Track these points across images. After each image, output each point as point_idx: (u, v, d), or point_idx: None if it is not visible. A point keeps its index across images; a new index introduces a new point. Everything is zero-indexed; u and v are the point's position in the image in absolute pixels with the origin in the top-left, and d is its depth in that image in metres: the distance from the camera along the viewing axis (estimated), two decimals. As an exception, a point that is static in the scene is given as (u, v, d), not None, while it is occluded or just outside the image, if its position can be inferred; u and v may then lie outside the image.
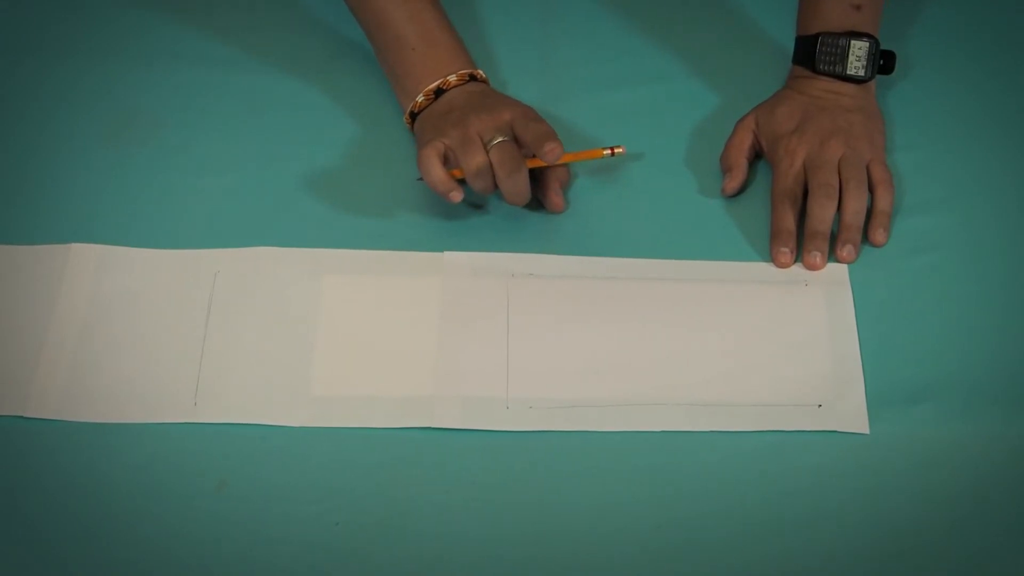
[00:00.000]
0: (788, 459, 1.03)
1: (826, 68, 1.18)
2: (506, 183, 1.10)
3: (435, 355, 1.08)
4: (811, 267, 1.12)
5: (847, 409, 1.05)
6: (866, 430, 1.04)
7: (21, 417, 1.05)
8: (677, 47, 1.29)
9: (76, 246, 1.13)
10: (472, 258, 1.14)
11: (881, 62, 1.19)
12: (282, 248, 1.14)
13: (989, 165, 1.19)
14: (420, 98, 1.16)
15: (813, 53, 1.18)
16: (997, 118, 1.22)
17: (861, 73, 1.17)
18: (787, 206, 1.14)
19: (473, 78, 1.16)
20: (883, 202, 1.14)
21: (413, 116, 1.17)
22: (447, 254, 1.14)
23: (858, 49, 1.17)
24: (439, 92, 1.15)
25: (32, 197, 1.17)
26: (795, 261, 1.13)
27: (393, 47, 1.18)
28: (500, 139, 1.10)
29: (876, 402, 1.05)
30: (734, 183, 1.17)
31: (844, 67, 1.17)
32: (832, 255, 1.13)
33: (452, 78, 1.15)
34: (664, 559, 0.99)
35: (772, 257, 1.13)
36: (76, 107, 1.24)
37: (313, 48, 1.29)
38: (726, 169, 1.18)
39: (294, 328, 1.10)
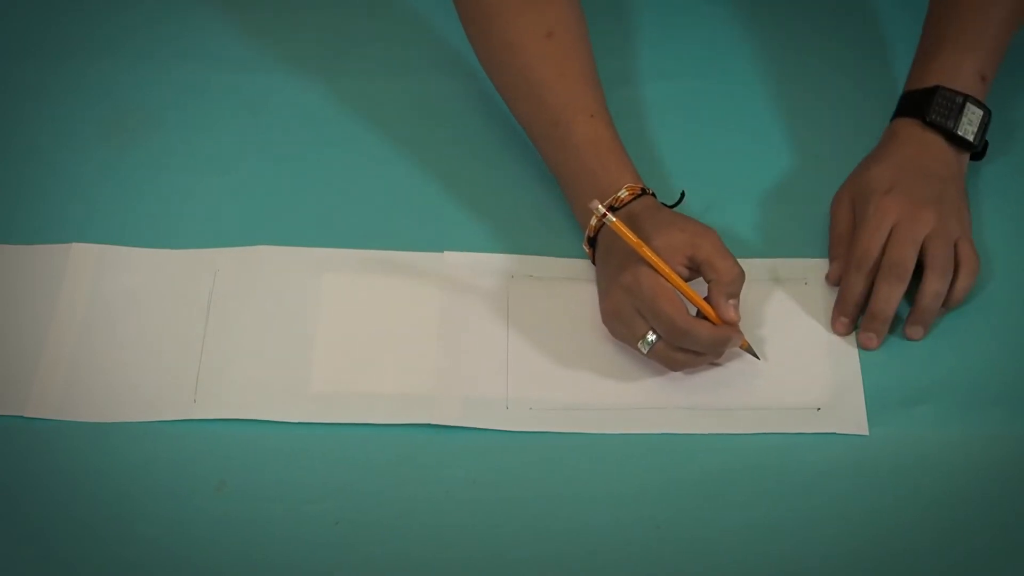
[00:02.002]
0: (787, 460, 1.03)
1: (938, 119, 1.11)
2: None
3: (435, 356, 1.08)
4: (865, 347, 1.08)
5: (846, 411, 1.05)
6: (865, 431, 1.04)
7: (21, 417, 1.05)
8: (679, 46, 1.29)
9: (76, 246, 1.13)
10: (472, 258, 1.14)
11: (985, 142, 1.14)
12: (282, 247, 1.14)
13: (988, 165, 1.18)
14: (593, 221, 1.07)
15: (927, 103, 1.12)
16: (996, 122, 1.20)
17: (969, 137, 1.12)
18: (861, 273, 1.08)
19: (644, 192, 1.08)
20: (959, 287, 1.08)
21: (591, 242, 1.09)
22: (447, 254, 1.14)
23: (972, 114, 1.12)
24: (611, 211, 1.05)
25: (32, 197, 1.17)
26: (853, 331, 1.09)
27: (568, 161, 1.10)
28: (652, 338, 1.03)
29: (875, 403, 1.05)
30: (837, 270, 1.11)
31: (956, 124, 1.11)
32: (901, 331, 1.09)
33: (623, 194, 1.07)
34: (664, 561, 0.99)
35: (831, 322, 1.09)
36: (76, 107, 1.24)
37: (314, 47, 1.29)
38: (832, 259, 1.12)
39: (294, 326, 1.10)
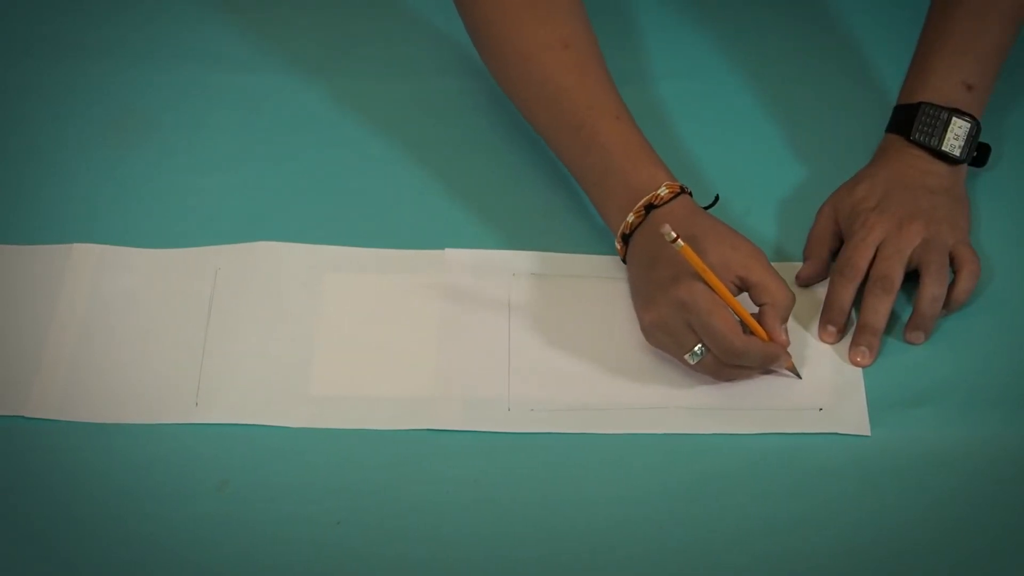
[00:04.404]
0: (789, 461, 1.03)
1: (921, 138, 1.12)
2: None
3: (436, 355, 1.08)
4: (857, 364, 1.08)
5: (848, 411, 1.05)
6: (867, 432, 1.04)
7: (22, 417, 1.05)
8: (679, 47, 1.29)
9: (78, 246, 1.13)
10: (473, 255, 1.14)
11: (975, 153, 1.14)
12: (283, 243, 1.14)
13: (986, 168, 1.18)
14: (631, 217, 1.07)
15: (911, 121, 1.13)
16: (993, 125, 1.20)
17: (956, 152, 1.12)
18: (846, 281, 1.09)
19: (682, 191, 1.08)
20: (960, 289, 1.08)
21: (625, 239, 1.08)
22: (448, 251, 1.14)
23: (958, 127, 1.12)
24: (649, 208, 1.07)
25: (33, 197, 1.17)
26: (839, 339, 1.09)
27: (596, 162, 1.10)
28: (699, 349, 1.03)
29: (877, 404, 1.05)
30: (807, 271, 1.12)
31: (940, 141, 1.12)
32: (902, 335, 1.09)
33: (663, 191, 1.07)
34: (665, 561, 0.99)
35: (818, 331, 1.09)
36: (75, 107, 1.24)
37: (313, 47, 1.29)
38: (806, 259, 1.13)
39: (295, 327, 1.10)
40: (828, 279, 1.11)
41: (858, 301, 1.09)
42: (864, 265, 1.09)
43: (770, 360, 1.04)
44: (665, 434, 1.04)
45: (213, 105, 1.24)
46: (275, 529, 1.00)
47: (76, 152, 1.20)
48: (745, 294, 1.05)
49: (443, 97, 1.25)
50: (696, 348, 1.03)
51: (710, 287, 1.02)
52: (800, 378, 1.06)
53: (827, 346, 1.09)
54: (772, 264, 1.10)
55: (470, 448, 1.04)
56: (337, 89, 1.25)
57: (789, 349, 1.06)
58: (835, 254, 1.12)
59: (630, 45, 1.30)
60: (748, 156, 1.21)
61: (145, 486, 1.02)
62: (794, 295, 1.05)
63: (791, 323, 1.08)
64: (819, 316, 1.10)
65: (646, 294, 1.06)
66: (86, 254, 1.13)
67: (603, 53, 1.14)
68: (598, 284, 1.11)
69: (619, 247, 1.09)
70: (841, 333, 1.09)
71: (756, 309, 1.05)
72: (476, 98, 1.24)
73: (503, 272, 1.13)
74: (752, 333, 1.04)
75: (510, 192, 1.18)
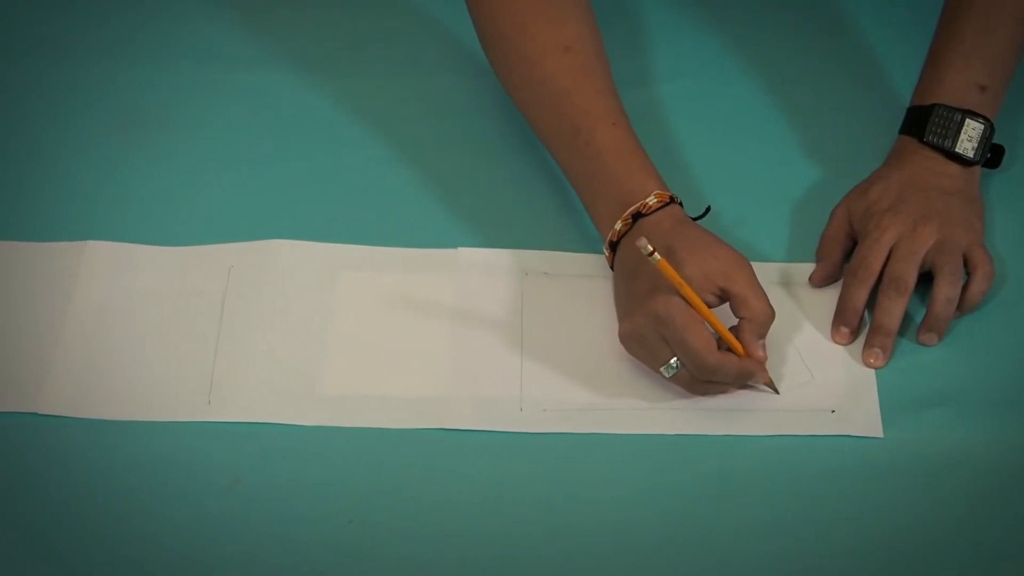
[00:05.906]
0: (802, 462, 1.03)
1: (934, 140, 1.12)
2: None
3: (448, 354, 1.08)
4: (870, 365, 1.07)
5: (861, 413, 1.05)
6: (880, 434, 1.04)
7: (35, 414, 1.05)
8: (694, 48, 1.29)
9: (91, 243, 1.13)
10: (486, 255, 1.14)
11: (988, 155, 1.14)
12: (296, 242, 1.14)
13: (999, 171, 1.18)
14: (618, 225, 1.06)
15: (924, 123, 1.13)
16: (1007, 128, 1.20)
17: (969, 154, 1.12)
18: (859, 282, 1.09)
19: (672, 200, 1.07)
20: (974, 291, 1.08)
21: (613, 246, 1.08)
22: (461, 250, 1.14)
23: (972, 129, 1.12)
24: (636, 216, 1.06)
25: (47, 195, 1.17)
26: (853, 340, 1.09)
27: (590, 167, 1.09)
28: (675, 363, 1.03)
29: (890, 406, 1.05)
30: (820, 273, 1.12)
31: (953, 143, 1.12)
32: (916, 336, 1.09)
33: (651, 200, 1.06)
34: (676, 561, 0.99)
35: (831, 332, 1.09)
36: (89, 105, 1.24)
37: (322, 45, 1.30)
38: (819, 260, 1.13)
39: (307, 326, 1.10)
40: (841, 280, 1.11)
41: (871, 302, 1.09)
42: (878, 266, 1.09)
43: (745, 376, 1.04)
44: (677, 435, 1.04)
45: (220, 104, 1.25)
46: (286, 528, 1.00)
47: (91, 150, 1.20)
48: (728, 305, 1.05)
49: (454, 95, 1.25)
50: (672, 361, 1.02)
51: (687, 301, 1.01)
52: (778, 393, 1.06)
53: (840, 347, 1.08)
54: (785, 265, 1.11)
55: (482, 448, 1.04)
56: (348, 88, 1.25)
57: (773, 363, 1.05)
58: (848, 255, 1.12)
59: (639, 46, 1.30)
60: (760, 158, 1.21)
61: (157, 484, 1.02)
62: (774, 310, 1.04)
63: (799, 324, 1.09)
64: (832, 317, 1.10)
65: (625, 304, 1.05)
66: (99, 251, 1.13)
67: (611, 55, 1.14)
68: (610, 284, 1.11)
69: (607, 255, 1.09)
70: (854, 334, 1.09)
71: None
72: (487, 97, 1.24)
73: (515, 272, 1.13)
74: (729, 347, 1.04)
75: (523, 191, 1.18)
